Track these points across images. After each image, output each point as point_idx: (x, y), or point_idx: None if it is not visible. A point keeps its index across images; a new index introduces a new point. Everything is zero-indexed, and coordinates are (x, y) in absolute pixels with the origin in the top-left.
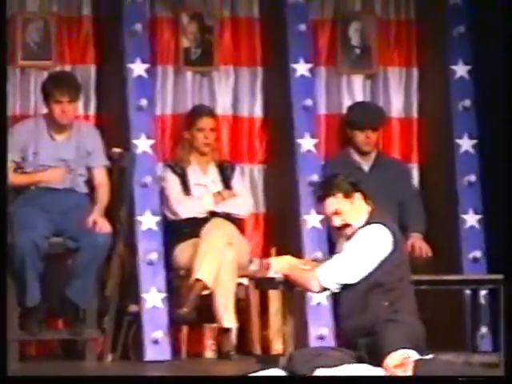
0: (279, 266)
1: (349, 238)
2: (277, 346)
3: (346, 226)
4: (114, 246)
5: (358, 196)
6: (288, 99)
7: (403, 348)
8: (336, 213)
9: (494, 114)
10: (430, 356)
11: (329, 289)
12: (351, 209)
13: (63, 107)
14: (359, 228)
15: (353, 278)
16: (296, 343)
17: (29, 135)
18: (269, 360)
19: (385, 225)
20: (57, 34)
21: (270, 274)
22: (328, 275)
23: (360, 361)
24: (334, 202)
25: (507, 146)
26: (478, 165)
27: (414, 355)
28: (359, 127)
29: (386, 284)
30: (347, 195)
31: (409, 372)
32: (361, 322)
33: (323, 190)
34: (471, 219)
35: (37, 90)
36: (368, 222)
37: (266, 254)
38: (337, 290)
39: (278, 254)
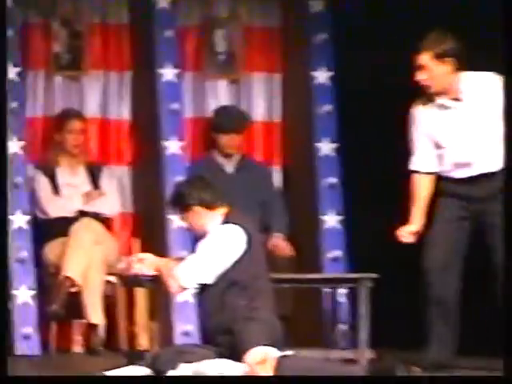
0: (146, 262)
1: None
2: (143, 342)
3: (203, 230)
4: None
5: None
6: (155, 103)
7: (262, 345)
8: (191, 222)
9: (355, 119)
10: (290, 352)
11: (187, 288)
12: (205, 213)
13: None
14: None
15: (206, 277)
16: (162, 339)
17: None
18: (135, 355)
19: (238, 225)
20: None
21: (138, 269)
22: (184, 275)
23: (223, 357)
24: (191, 216)
25: (367, 149)
26: (338, 167)
27: (273, 352)
28: (223, 130)
29: (241, 282)
30: (203, 205)
31: (270, 369)
32: (220, 320)
33: (178, 206)
34: (331, 220)
35: None
36: (223, 223)
37: (133, 253)
38: (195, 290)
39: (144, 251)
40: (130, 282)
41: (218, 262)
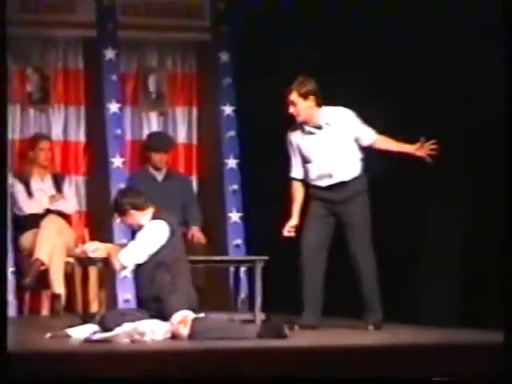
0: (95, 247)
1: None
2: (94, 307)
3: (138, 225)
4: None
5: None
6: (104, 129)
7: (182, 309)
8: (129, 222)
9: (252, 141)
10: (202, 315)
11: (126, 267)
12: (138, 214)
13: None
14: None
15: (140, 259)
16: (108, 305)
17: None
18: (88, 317)
19: (163, 220)
20: None
21: (89, 254)
22: (124, 257)
23: (154, 318)
24: (127, 217)
25: (262, 163)
26: (240, 177)
27: (190, 315)
28: (155, 150)
29: (166, 263)
30: (135, 208)
31: (188, 327)
32: (151, 291)
33: (117, 212)
34: (235, 216)
35: None
36: (152, 219)
37: (86, 241)
38: (132, 268)
39: (94, 240)
40: (84, 262)
41: (148, 247)
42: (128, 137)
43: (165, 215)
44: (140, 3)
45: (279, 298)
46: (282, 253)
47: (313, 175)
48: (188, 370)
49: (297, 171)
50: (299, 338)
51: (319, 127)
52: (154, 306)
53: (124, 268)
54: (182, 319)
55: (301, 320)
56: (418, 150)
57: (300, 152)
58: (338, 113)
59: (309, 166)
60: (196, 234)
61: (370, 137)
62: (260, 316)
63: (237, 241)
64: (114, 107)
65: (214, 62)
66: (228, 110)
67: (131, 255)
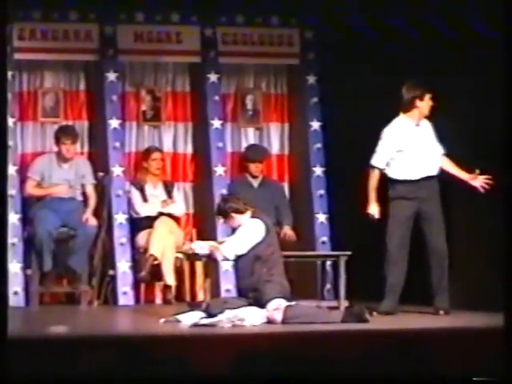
0: (200, 245)
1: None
2: (200, 296)
3: (239, 225)
4: (99, 234)
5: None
6: (208, 142)
7: (276, 298)
8: (231, 224)
9: (337, 152)
10: (294, 303)
11: (228, 258)
12: (239, 217)
13: (67, 147)
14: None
15: (240, 251)
16: (212, 294)
17: (45, 165)
18: (195, 305)
19: (260, 219)
20: (64, 101)
21: (196, 251)
22: (226, 249)
23: (252, 306)
24: (229, 220)
25: (350, 171)
26: (326, 184)
27: (283, 303)
28: (251, 160)
29: (262, 257)
30: (236, 212)
31: (281, 313)
32: (249, 281)
33: (221, 215)
34: (321, 217)
35: (51, 136)
36: (251, 218)
37: (193, 240)
38: (232, 259)
39: (200, 239)
40: (192, 257)
41: (247, 241)
42: (229, 149)
43: (261, 216)
44: (238, 34)
45: (360, 287)
46: (362, 248)
47: (404, 167)
48: (281, 350)
49: (380, 160)
50: (379, 323)
51: (420, 123)
52: (252, 294)
53: (225, 259)
54: (277, 306)
55: (380, 307)
56: (473, 179)
57: (396, 143)
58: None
59: (403, 157)
60: (288, 232)
61: (441, 150)
62: (344, 303)
63: (323, 238)
64: (216, 123)
65: (302, 84)
66: (315, 125)
67: (232, 248)
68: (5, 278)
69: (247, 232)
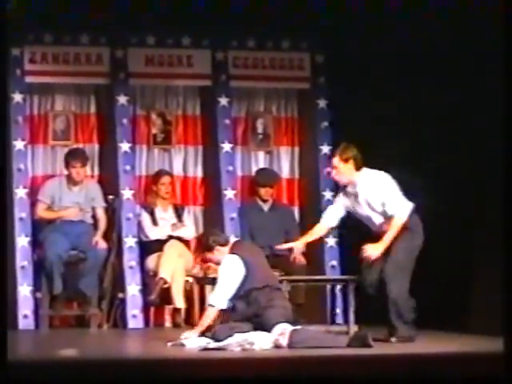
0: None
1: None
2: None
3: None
4: (109, 257)
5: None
6: (218, 165)
7: (280, 322)
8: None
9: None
10: (300, 327)
11: (221, 308)
12: (223, 248)
13: (77, 170)
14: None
15: (228, 294)
16: (221, 317)
17: (55, 188)
18: (205, 328)
19: (237, 254)
20: (74, 124)
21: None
22: (215, 301)
23: (258, 330)
24: (214, 253)
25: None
26: None
27: (288, 327)
28: (262, 185)
29: (256, 287)
30: (220, 245)
31: (287, 338)
32: (250, 310)
33: (207, 249)
34: (331, 241)
35: (61, 159)
36: (229, 253)
37: (203, 263)
38: (227, 306)
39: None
40: (201, 281)
41: (232, 283)
42: (239, 172)
43: (240, 248)
44: (249, 57)
45: (370, 311)
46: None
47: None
48: (288, 373)
49: (330, 218)
50: (386, 348)
51: (356, 189)
52: (255, 320)
53: (219, 308)
54: (282, 331)
55: (397, 333)
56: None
57: (345, 207)
58: (373, 176)
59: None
60: (298, 256)
61: (391, 211)
62: (353, 328)
63: (333, 262)
64: (226, 147)
65: (312, 108)
66: (325, 149)
67: (220, 297)
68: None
69: (227, 274)
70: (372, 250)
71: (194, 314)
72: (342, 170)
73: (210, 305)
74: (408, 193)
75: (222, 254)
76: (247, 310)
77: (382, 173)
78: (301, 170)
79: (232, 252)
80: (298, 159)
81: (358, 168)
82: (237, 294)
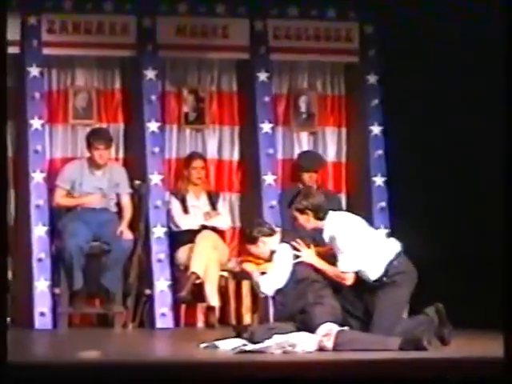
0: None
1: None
2: (247, 319)
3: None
4: (135, 249)
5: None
6: (256, 148)
7: (327, 322)
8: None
9: (400, 160)
10: (346, 328)
11: (268, 294)
12: (269, 239)
13: (100, 152)
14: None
15: (278, 284)
16: (260, 317)
17: (76, 172)
18: (242, 329)
19: (286, 243)
20: (97, 101)
21: (244, 267)
22: (264, 285)
23: (300, 331)
24: (260, 246)
25: (414, 181)
26: (386, 195)
27: (335, 327)
28: (305, 170)
29: (307, 278)
30: (266, 235)
31: (332, 340)
32: (296, 306)
33: (251, 241)
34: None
35: (82, 140)
36: (279, 243)
37: (239, 256)
38: (273, 293)
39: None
40: (238, 276)
41: (284, 272)
42: (279, 155)
43: (288, 238)
44: (291, 28)
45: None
46: (426, 266)
47: None
48: (333, 378)
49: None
50: (440, 351)
51: (323, 235)
52: (299, 318)
53: (266, 295)
54: (327, 332)
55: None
56: None
57: None
58: (335, 227)
59: None
60: None
61: (341, 267)
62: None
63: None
64: (266, 127)
65: (362, 84)
66: (376, 129)
67: (269, 284)
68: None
69: (281, 262)
70: (306, 255)
71: (229, 313)
72: (301, 220)
73: (262, 292)
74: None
75: (266, 246)
76: (294, 305)
77: (346, 222)
78: (348, 153)
79: (284, 241)
80: (346, 141)
81: (318, 218)
82: (286, 286)
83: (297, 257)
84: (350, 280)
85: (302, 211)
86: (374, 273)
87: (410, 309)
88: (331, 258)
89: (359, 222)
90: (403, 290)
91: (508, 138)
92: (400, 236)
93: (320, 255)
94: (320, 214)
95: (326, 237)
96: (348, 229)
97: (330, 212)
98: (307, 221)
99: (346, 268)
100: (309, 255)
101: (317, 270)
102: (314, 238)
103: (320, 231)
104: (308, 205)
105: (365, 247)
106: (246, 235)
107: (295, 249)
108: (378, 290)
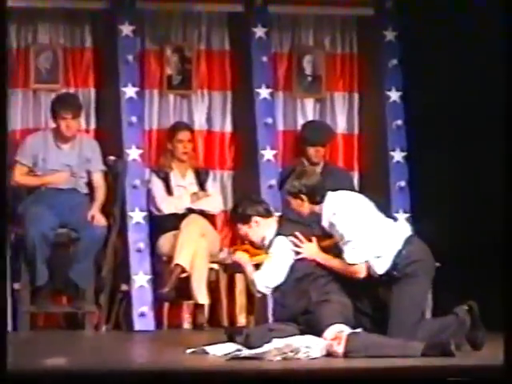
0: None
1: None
2: (241, 320)
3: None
4: (109, 237)
5: None
6: (252, 117)
7: (336, 323)
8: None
9: (423, 132)
10: (359, 330)
11: (264, 293)
12: (264, 221)
13: (68, 123)
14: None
15: (277, 281)
16: (257, 317)
17: (39, 145)
18: (235, 332)
19: (284, 235)
20: (64, 61)
21: (237, 259)
22: (260, 283)
23: (304, 333)
24: (253, 227)
25: (439, 156)
26: (407, 173)
27: (345, 329)
28: (311, 144)
29: (310, 273)
30: (261, 215)
31: (342, 344)
32: (298, 306)
33: (242, 220)
34: (401, 217)
35: (46, 109)
36: (276, 234)
37: (232, 244)
38: (271, 291)
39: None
40: (230, 268)
41: (283, 267)
42: (280, 126)
43: (290, 229)
44: None
45: (447, 303)
46: (451, 255)
47: None
48: None
49: None
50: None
51: (322, 223)
52: (302, 319)
53: (263, 294)
54: (336, 335)
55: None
56: None
57: None
58: (337, 209)
59: None
60: None
61: (348, 257)
62: None
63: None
64: (264, 93)
65: (378, 41)
66: (394, 95)
67: (266, 281)
68: None
69: (279, 256)
70: (308, 249)
71: (220, 313)
72: (294, 205)
73: (258, 291)
74: None
75: (260, 228)
76: (295, 305)
77: (347, 203)
78: (361, 124)
79: (280, 232)
80: (358, 109)
81: (313, 202)
82: (285, 284)
83: (297, 253)
84: (362, 272)
85: (294, 195)
86: (380, 265)
87: (434, 307)
88: (336, 250)
89: (362, 200)
90: (419, 284)
91: None
92: (422, 222)
93: (323, 249)
94: (316, 198)
95: (325, 223)
96: (351, 210)
97: (328, 193)
98: (301, 206)
99: (354, 259)
100: (311, 250)
101: (320, 264)
102: (313, 228)
103: (318, 217)
104: (301, 187)
105: (371, 233)
106: (237, 212)
107: (295, 245)
108: (390, 285)
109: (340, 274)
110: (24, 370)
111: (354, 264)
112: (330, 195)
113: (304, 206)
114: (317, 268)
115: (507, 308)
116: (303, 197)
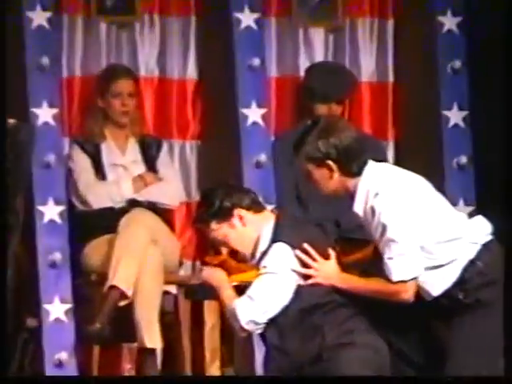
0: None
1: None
2: (214, 370)
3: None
4: (7, 244)
5: None
6: (230, 57)
7: (362, 372)
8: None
9: (490, 79)
10: None
11: (250, 331)
12: (252, 216)
13: None
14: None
15: (268, 314)
16: (239, 367)
17: None
18: None
19: (287, 243)
20: None
21: (206, 278)
22: (243, 315)
23: None
24: (232, 224)
25: (505, 118)
26: (470, 143)
27: None
28: (321, 99)
29: (330, 303)
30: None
31: None
32: (304, 352)
33: (220, 215)
34: (461, 210)
35: None
36: (272, 241)
37: (200, 255)
38: (262, 329)
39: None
40: (197, 293)
41: (279, 295)
42: (272, 71)
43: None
44: None
45: None
46: None
47: None
48: None
49: None
50: None
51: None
52: (311, 369)
53: (248, 332)
54: None
55: None
56: None
57: None
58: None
59: None
60: None
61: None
62: None
63: None
64: (247, 19)
65: None
66: (450, 22)
67: (256, 311)
68: None
69: (276, 274)
70: (323, 271)
71: (180, 359)
72: (317, 176)
73: (242, 328)
74: None
75: (248, 229)
76: (301, 351)
77: (402, 183)
78: (399, 67)
79: (277, 238)
80: (394, 44)
81: (347, 172)
82: (285, 316)
83: (306, 277)
84: (410, 293)
85: (318, 161)
86: (438, 283)
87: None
88: (365, 266)
89: (422, 183)
90: (497, 316)
91: None
92: (491, 217)
93: (347, 266)
94: (352, 166)
95: (358, 208)
96: (405, 194)
97: (370, 162)
98: (328, 178)
99: (403, 273)
100: (327, 271)
101: (341, 290)
102: (330, 231)
103: (350, 198)
104: (329, 149)
105: (430, 232)
106: (208, 205)
107: (303, 264)
108: (451, 316)
109: (372, 300)
110: None
111: (400, 281)
112: (372, 166)
113: (333, 178)
114: (334, 294)
115: None
116: (331, 164)
